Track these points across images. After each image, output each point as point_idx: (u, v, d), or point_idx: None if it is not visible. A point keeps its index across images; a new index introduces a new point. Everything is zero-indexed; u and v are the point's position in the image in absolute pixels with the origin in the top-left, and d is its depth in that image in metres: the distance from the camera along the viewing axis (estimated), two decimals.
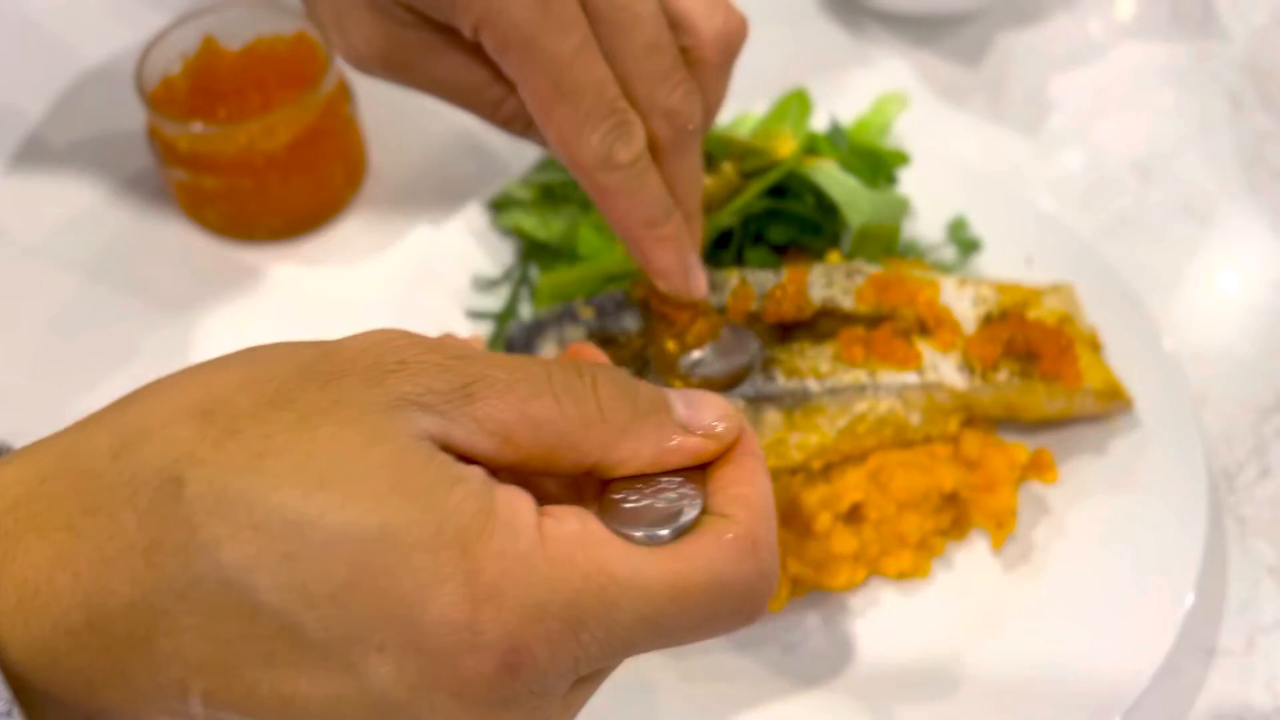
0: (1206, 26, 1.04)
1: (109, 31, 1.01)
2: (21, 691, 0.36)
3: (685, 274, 0.62)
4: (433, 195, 0.90)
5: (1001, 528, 0.70)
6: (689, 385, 0.64)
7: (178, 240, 0.88)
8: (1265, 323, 0.84)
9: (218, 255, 0.87)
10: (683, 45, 0.61)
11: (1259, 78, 1.00)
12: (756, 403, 0.66)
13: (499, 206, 0.84)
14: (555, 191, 0.83)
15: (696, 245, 0.63)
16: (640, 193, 0.59)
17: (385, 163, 0.92)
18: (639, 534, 0.40)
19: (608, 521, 0.40)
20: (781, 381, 0.67)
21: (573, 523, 0.39)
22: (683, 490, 0.43)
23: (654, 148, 0.60)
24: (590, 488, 0.45)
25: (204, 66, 0.84)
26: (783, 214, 0.78)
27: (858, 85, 0.98)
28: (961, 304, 0.73)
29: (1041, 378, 0.70)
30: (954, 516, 0.70)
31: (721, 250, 0.78)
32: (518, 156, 0.91)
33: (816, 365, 0.68)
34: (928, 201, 0.84)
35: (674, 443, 0.43)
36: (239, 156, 0.81)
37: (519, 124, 0.65)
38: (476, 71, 0.61)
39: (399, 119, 0.94)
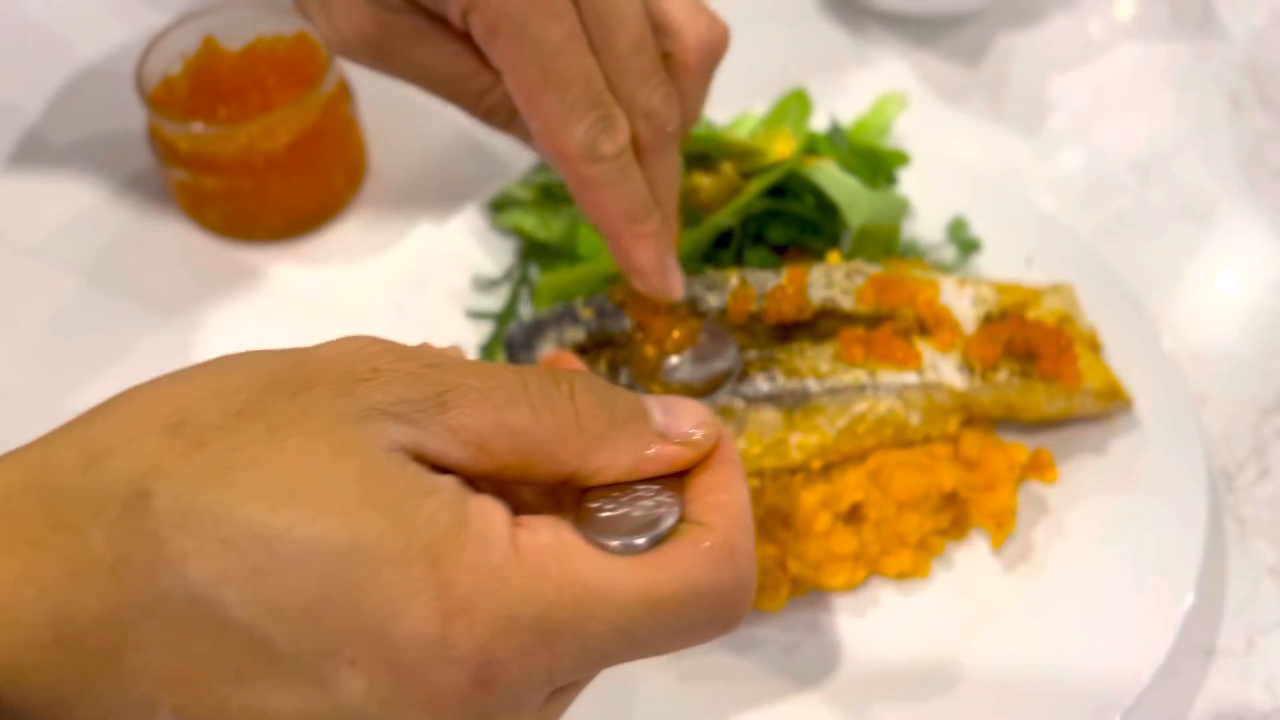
0: (1206, 27, 1.04)
1: (109, 31, 1.01)
2: None
3: (663, 273, 0.62)
4: (433, 195, 0.90)
5: (1001, 528, 0.70)
6: (668, 391, 0.64)
7: (178, 240, 0.88)
8: (1265, 323, 0.84)
9: (218, 255, 0.87)
10: (665, 50, 0.61)
11: (1259, 78, 1.00)
12: (756, 402, 0.66)
13: (499, 206, 0.84)
14: (555, 191, 0.83)
15: (672, 248, 0.63)
16: (622, 186, 0.59)
17: (385, 163, 0.92)
18: (615, 543, 0.40)
19: (584, 531, 0.40)
20: (781, 381, 0.67)
21: (547, 533, 0.39)
22: (660, 499, 0.42)
23: (633, 148, 0.60)
24: (568, 496, 0.44)
25: (204, 66, 0.84)
26: (783, 214, 0.78)
27: (857, 85, 0.98)
28: (961, 304, 0.73)
29: (1041, 378, 0.70)
30: (954, 516, 0.70)
31: (721, 250, 0.78)
32: (518, 156, 0.92)
33: (816, 365, 0.68)
34: (927, 202, 0.84)
35: (651, 451, 0.43)
36: (239, 157, 0.81)
37: (501, 116, 0.64)
38: (462, 61, 0.61)
39: (399, 119, 0.94)
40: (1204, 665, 0.68)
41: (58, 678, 0.36)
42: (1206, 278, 0.87)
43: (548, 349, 0.69)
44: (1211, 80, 1.00)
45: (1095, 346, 0.75)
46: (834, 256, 0.75)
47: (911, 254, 0.82)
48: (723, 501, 0.43)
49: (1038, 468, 0.72)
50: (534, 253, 0.83)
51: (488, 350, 0.78)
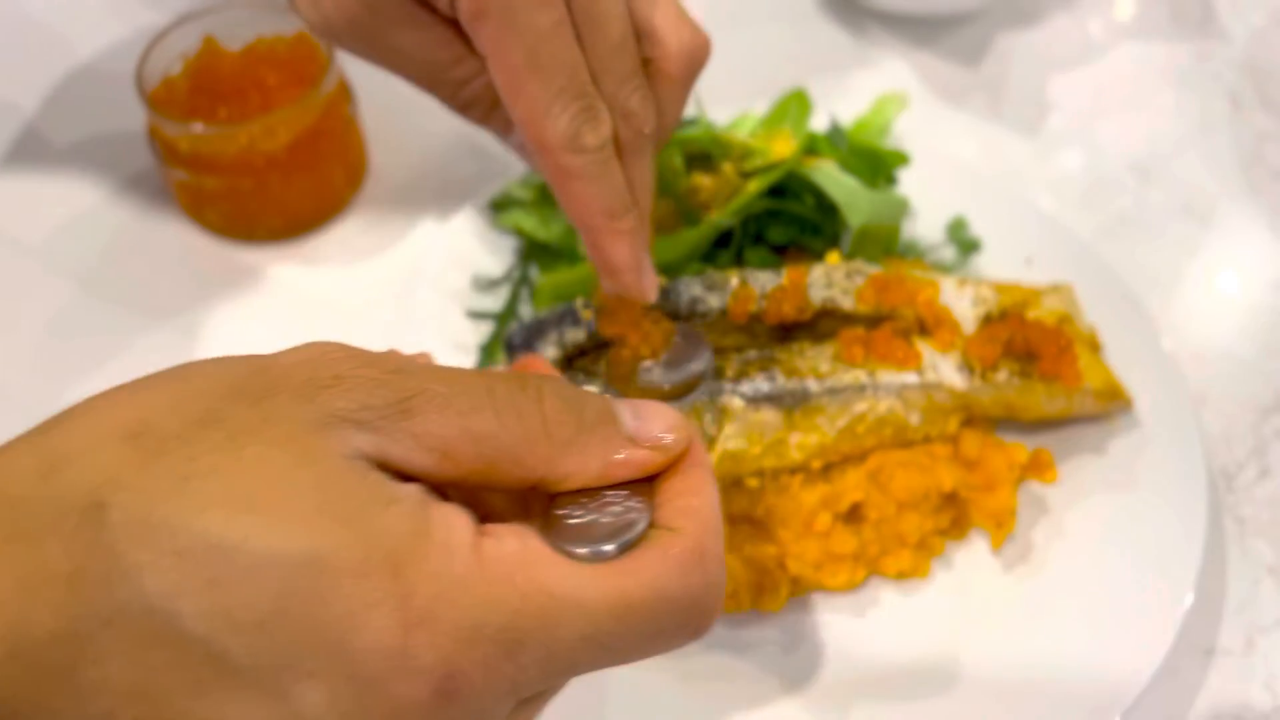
0: (1206, 27, 1.04)
1: (109, 31, 1.01)
2: None
3: (639, 272, 0.61)
4: (433, 195, 0.90)
5: (1001, 527, 0.70)
6: (642, 395, 0.63)
7: (178, 240, 0.88)
8: (1265, 323, 0.84)
9: (218, 255, 0.87)
10: (647, 56, 0.61)
11: (1258, 78, 1.00)
12: (756, 402, 0.66)
13: (499, 206, 0.84)
14: None
15: (648, 249, 0.63)
16: (602, 180, 0.58)
17: (386, 163, 0.92)
18: (583, 551, 0.39)
19: (552, 539, 0.39)
20: (781, 381, 0.67)
21: (512, 542, 0.38)
22: (629, 504, 0.42)
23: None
24: (538, 503, 0.44)
25: (204, 67, 0.84)
26: (783, 214, 0.78)
27: (857, 85, 0.98)
28: (961, 304, 0.73)
29: (1041, 378, 0.70)
30: (953, 516, 0.70)
31: (721, 250, 0.78)
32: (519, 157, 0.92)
33: (816, 365, 0.68)
34: (927, 202, 0.84)
35: (621, 456, 0.42)
36: (239, 157, 0.82)
37: (480, 108, 0.64)
38: (446, 48, 0.61)
39: (399, 119, 0.94)
40: (1204, 665, 0.68)
41: (13, 692, 0.35)
42: (1206, 278, 0.87)
43: (548, 349, 0.69)
44: (1211, 80, 1.00)
45: (1095, 346, 0.75)
46: (834, 256, 0.75)
47: (911, 254, 0.82)
48: (693, 506, 0.42)
49: (1038, 468, 0.72)
50: (534, 253, 0.83)
51: (488, 350, 0.78)
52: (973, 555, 0.71)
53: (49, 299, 0.85)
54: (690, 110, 0.86)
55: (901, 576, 0.69)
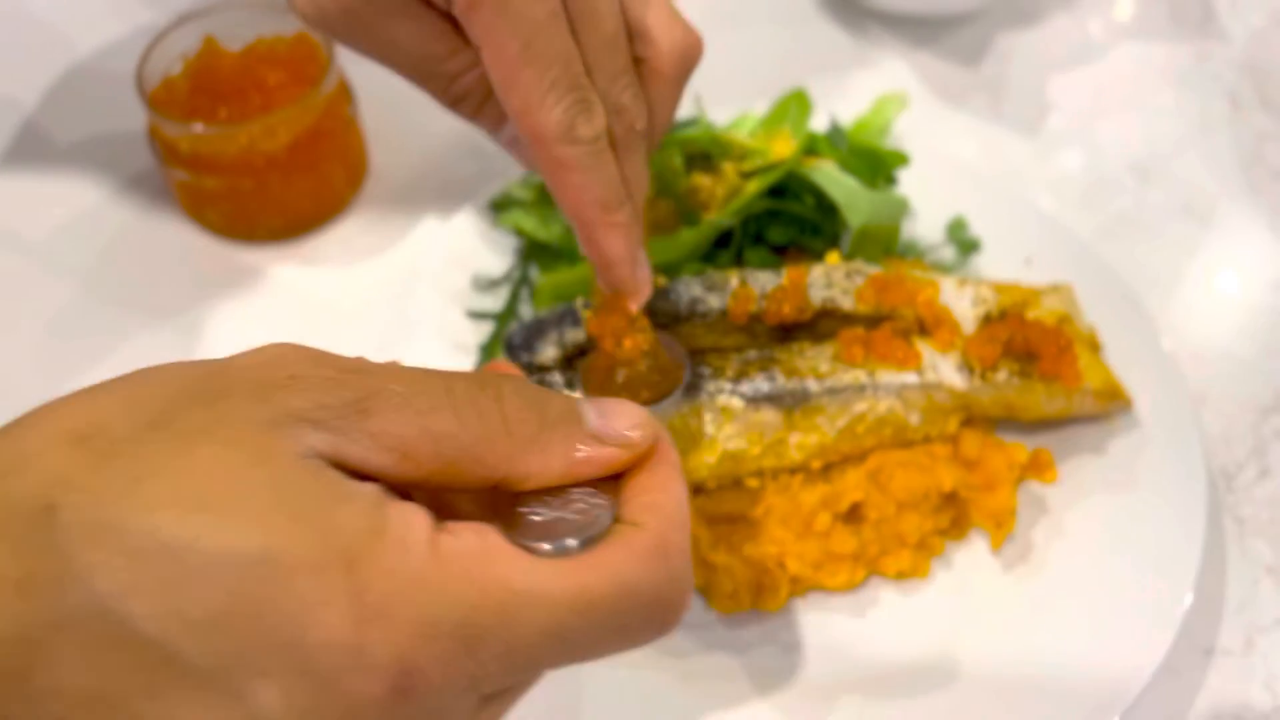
0: (1205, 27, 1.04)
1: (110, 31, 1.01)
2: None
3: (633, 265, 0.61)
4: (433, 195, 0.90)
5: (1001, 527, 0.70)
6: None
7: (179, 240, 0.88)
8: (1264, 323, 0.85)
9: (219, 255, 0.87)
10: (640, 55, 0.61)
11: (1258, 78, 1.00)
12: (756, 402, 0.67)
13: (499, 206, 0.84)
14: None
15: (641, 243, 0.63)
16: (597, 171, 0.58)
17: (386, 163, 0.93)
18: (546, 546, 0.39)
19: (515, 537, 0.39)
20: (781, 381, 0.67)
21: (471, 538, 0.38)
22: (594, 501, 0.42)
23: None
24: (504, 505, 0.43)
25: (205, 67, 0.84)
26: (782, 214, 0.78)
27: (857, 86, 0.98)
28: (961, 304, 0.73)
29: (1041, 378, 0.70)
30: (953, 516, 0.70)
31: (721, 250, 0.78)
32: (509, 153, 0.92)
33: (816, 365, 0.68)
34: (927, 202, 0.84)
35: (585, 453, 0.42)
36: (240, 157, 0.82)
37: (471, 103, 0.64)
38: (439, 41, 0.60)
39: (400, 119, 0.94)
40: (1203, 665, 0.68)
41: None
42: (1206, 278, 0.87)
43: (548, 349, 0.69)
44: (1211, 80, 1.00)
45: (1095, 346, 0.75)
46: (834, 257, 0.75)
47: (911, 254, 0.82)
48: (658, 502, 0.42)
49: (1037, 467, 0.72)
50: (534, 253, 0.83)
51: (488, 350, 0.78)
52: (972, 555, 0.71)
53: (49, 299, 0.85)
54: (690, 110, 0.86)
55: (901, 576, 0.69)
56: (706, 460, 0.66)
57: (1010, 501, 0.70)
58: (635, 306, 0.63)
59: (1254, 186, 0.93)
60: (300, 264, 0.87)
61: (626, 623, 0.40)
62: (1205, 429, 0.78)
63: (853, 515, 0.69)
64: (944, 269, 0.82)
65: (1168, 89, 1.00)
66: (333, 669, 0.35)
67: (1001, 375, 0.70)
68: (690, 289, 0.71)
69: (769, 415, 0.67)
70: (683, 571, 0.41)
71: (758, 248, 0.78)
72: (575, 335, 0.70)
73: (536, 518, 0.41)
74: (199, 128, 0.80)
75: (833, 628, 0.68)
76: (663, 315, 0.70)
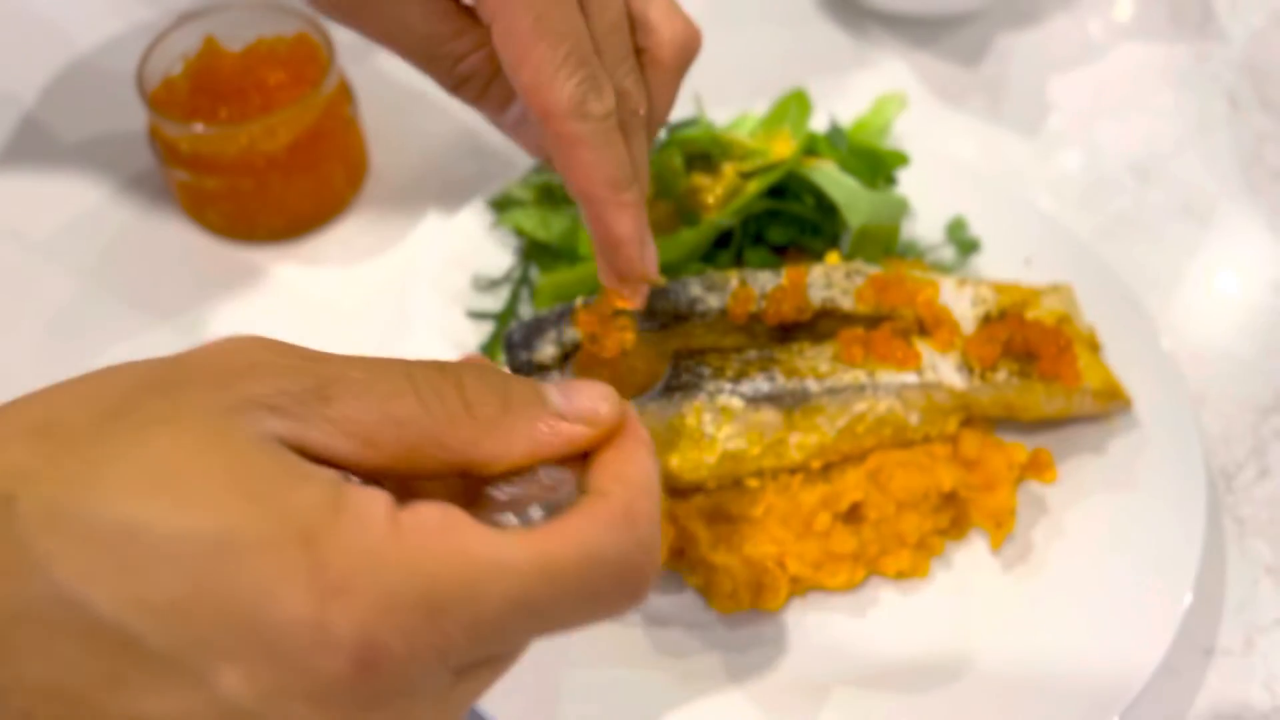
0: (1205, 28, 1.04)
1: (111, 31, 1.01)
2: None
3: (642, 246, 0.60)
4: (433, 195, 0.90)
5: (1000, 527, 0.70)
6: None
7: (179, 240, 0.88)
8: (1264, 323, 0.85)
9: (219, 255, 0.87)
10: (641, 45, 0.61)
11: (1257, 78, 1.00)
12: (756, 402, 0.67)
13: (499, 206, 0.84)
14: (555, 192, 0.83)
15: (648, 226, 0.62)
16: (607, 149, 0.57)
17: (386, 163, 0.93)
18: (512, 518, 0.39)
19: (482, 515, 0.39)
20: (781, 381, 0.67)
21: (432, 513, 0.38)
22: (559, 475, 0.42)
23: None
24: (475, 493, 0.43)
25: (205, 67, 0.84)
26: (782, 214, 0.78)
27: (857, 86, 0.98)
28: (960, 304, 0.73)
29: (1040, 378, 0.70)
30: (953, 516, 0.70)
31: (721, 250, 0.78)
32: (518, 157, 0.92)
33: (816, 365, 0.68)
34: (927, 202, 0.84)
35: (549, 432, 0.42)
36: (240, 157, 0.82)
37: (474, 86, 0.63)
38: (443, 20, 0.60)
39: (400, 119, 0.94)
40: (1203, 665, 0.69)
41: None
42: (1205, 278, 0.87)
43: (548, 348, 0.69)
44: (1210, 81, 1.00)
45: (1094, 346, 0.75)
46: (833, 257, 0.75)
47: (911, 254, 0.82)
48: (625, 472, 0.42)
49: (1037, 467, 0.72)
50: (534, 253, 0.83)
51: (488, 350, 0.79)
52: (972, 555, 0.71)
53: (50, 298, 0.85)
54: (690, 110, 0.86)
55: (901, 576, 0.69)
56: (706, 460, 0.67)
57: (1010, 501, 0.70)
58: (636, 301, 0.63)
59: (1253, 187, 0.93)
60: (300, 264, 0.87)
61: (596, 590, 0.40)
62: (1205, 429, 0.78)
63: (852, 515, 0.69)
64: (944, 269, 0.82)
65: (1167, 89, 1.00)
66: (295, 647, 0.34)
67: (1001, 375, 0.70)
68: (690, 289, 0.71)
69: (769, 415, 0.67)
70: (651, 538, 0.41)
71: (758, 248, 0.78)
72: (574, 334, 0.70)
73: (501, 495, 0.41)
74: (199, 128, 0.80)
75: (832, 627, 0.68)
76: (663, 315, 0.70)
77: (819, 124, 0.85)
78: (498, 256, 0.83)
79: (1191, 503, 0.69)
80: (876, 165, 0.81)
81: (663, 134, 0.83)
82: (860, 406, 0.68)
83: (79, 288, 0.85)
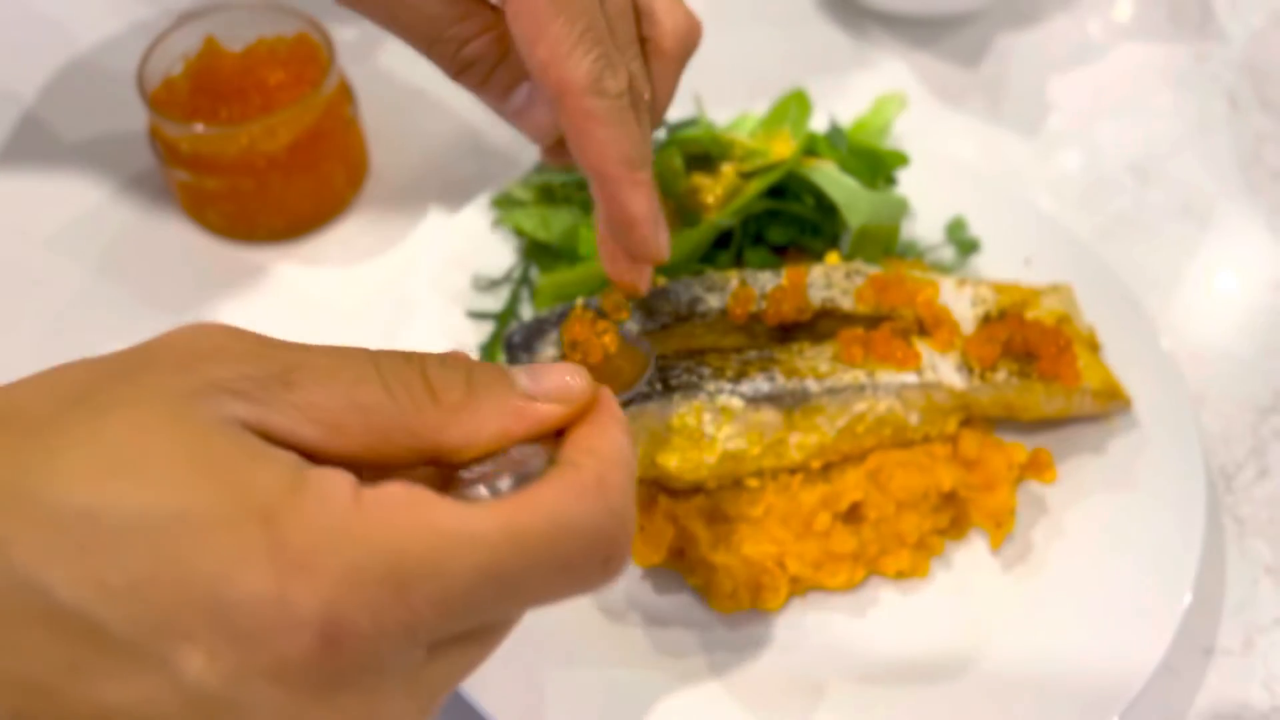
0: (1205, 28, 1.04)
1: (111, 31, 1.01)
2: None
3: (655, 226, 0.60)
4: (434, 196, 0.90)
5: (1000, 527, 0.70)
6: None
7: (179, 241, 0.88)
8: (1263, 323, 0.85)
9: (219, 255, 0.87)
10: (644, 35, 0.61)
11: (1257, 79, 1.00)
12: (756, 402, 0.67)
13: (500, 206, 0.84)
14: (555, 192, 0.83)
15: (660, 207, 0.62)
16: (623, 126, 0.57)
17: (386, 163, 0.93)
18: (482, 490, 0.39)
19: (451, 494, 0.38)
20: (781, 381, 0.67)
21: (396, 488, 0.37)
22: (531, 450, 0.41)
23: None
24: (451, 482, 0.43)
25: (205, 67, 0.84)
26: (782, 215, 0.78)
27: (857, 86, 0.98)
28: (960, 304, 0.73)
29: (1040, 377, 0.70)
30: (953, 516, 0.71)
31: (721, 251, 0.78)
32: (519, 157, 0.92)
33: (816, 365, 0.68)
34: (926, 202, 0.84)
35: (517, 412, 0.42)
36: (240, 157, 0.82)
37: (478, 72, 0.63)
38: (448, 3, 0.60)
39: (400, 119, 0.94)
40: (1202, 664, 0.69)
41: None
42: (1205, 278, 0.87)
43: (548, 349, 0.70)
44: (1210, 81, 1.00)
45: (1094, 346, 0.75)
46: (833, 257, 0.75)
47: (911, 254, 0.82)
48: (595, 444, 0.42)
49: (1037, 467, 0.72)
50: (534, 253, 0.83)
51: (488, 350, 0.79)
52: (972, 555, 0.71)
53: (50, 299, 0.85)
54: (690, 110, 0.86)
55: (901, 576, 0.69)
56: (706, 460, 0.67)
57: (1009, 501, 0.70)
58: (641, 289, 0.63)
59: (1253, 187, 0.93)
60: (301, 264, 0.87)
61: (568, 560, 0.39)
62: (1204, 429, 0.78)
63: (852, 515, 0.69)
64: (943, 269, 0.82)
65: (1167, 89, 1.00)
66: (257, 626, 0.34)
67: (1001, 375, 0.70)
68: (690, 289, 0.71)
69: (769, 415, 0.67)
70: (624, 508, 0.41)
71: (758, 248, 0.78)
72: None
73: (470, 474, 0.40)
74: (200, 128, 0.80)
75: (832, 627, 0.68)
76: (663, 315, 0.70)
77: (819, 124, 0.85)
78: (498, 256, 0.83)
79: (1191, 502, 0.69)
80: (876, 165, 0.81)
81: (663, 134, 0.83)
82: (860, 406, 0.68)
83: (80, 288, 0.86)
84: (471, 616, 0.38)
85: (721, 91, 0.88)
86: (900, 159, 0.82)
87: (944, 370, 0.69)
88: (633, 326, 0.69)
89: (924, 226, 0.85)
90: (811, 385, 0.67)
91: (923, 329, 0.72)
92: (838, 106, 0.89)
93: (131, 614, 0.33)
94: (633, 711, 0.64)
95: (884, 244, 0.78)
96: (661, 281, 0.72)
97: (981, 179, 0.86)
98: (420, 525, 0.36)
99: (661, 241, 0.60)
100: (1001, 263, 0.82)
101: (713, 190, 0.77)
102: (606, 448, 0.42)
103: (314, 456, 0.38)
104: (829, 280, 0.72)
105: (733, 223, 0.76)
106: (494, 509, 0.38)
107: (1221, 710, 0.67)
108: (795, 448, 0.68)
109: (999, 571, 0.70)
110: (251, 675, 0.34)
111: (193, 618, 0.34)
